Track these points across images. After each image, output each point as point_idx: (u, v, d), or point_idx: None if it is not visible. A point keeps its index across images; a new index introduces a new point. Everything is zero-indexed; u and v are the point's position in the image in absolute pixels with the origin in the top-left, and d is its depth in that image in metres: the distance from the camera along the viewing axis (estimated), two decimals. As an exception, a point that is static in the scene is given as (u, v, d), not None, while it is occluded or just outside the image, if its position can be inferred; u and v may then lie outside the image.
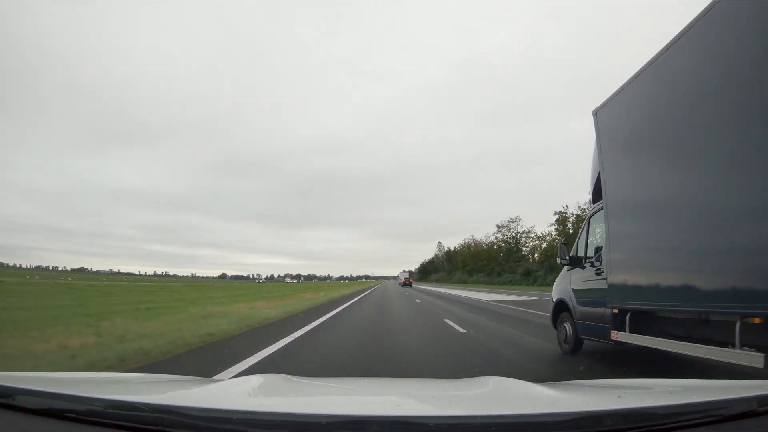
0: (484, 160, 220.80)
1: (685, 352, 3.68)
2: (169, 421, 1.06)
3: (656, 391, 1.59)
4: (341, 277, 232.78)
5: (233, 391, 1.53)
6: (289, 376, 1.88)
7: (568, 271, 6.04)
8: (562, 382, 1.90)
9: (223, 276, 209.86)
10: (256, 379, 1.71)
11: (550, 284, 7.63)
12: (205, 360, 5.12)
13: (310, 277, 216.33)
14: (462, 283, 79.33)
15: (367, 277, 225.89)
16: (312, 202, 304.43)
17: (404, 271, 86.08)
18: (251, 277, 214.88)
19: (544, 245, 66.04)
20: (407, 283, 58.15)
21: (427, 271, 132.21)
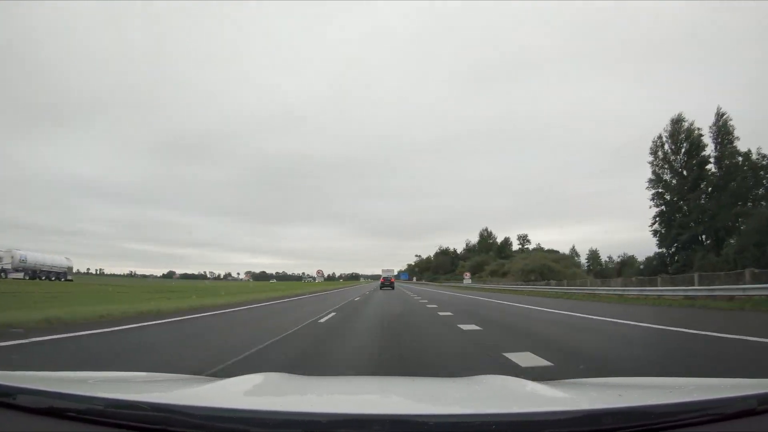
0: (468, 139, 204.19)
1: None
2: (171, 420, 1.06)
3: (656, 389, 1.59)
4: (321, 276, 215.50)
5: (234, 389, 1.53)
6: (289, 375, 1.89)
7: None
8: (562, 381, 1.91)
9: (171, 274, 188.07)
10: (256, 378, 1.72)
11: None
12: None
13: (283, 277, 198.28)
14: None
15: (353, 276, 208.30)
16: (289, 195, 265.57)
17: (384, 270, 65.58)
18: (206, 274, 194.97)
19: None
20: (387, 284, 54.69)
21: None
